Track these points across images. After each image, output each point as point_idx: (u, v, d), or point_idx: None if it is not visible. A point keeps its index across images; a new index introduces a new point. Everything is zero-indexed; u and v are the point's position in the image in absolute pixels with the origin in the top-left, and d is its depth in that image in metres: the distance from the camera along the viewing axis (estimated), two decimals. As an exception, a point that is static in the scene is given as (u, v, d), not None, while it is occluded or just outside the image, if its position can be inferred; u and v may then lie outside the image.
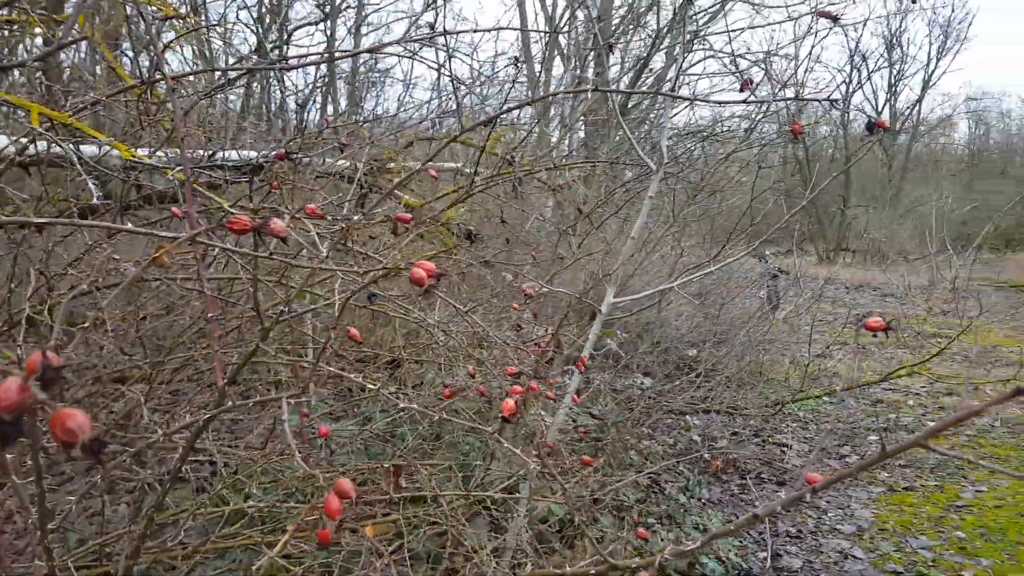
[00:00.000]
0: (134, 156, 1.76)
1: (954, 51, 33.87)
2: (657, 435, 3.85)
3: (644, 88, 8.79)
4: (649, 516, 3.03)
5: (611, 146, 5.84)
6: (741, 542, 3.03)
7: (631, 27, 9.40)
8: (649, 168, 2.21)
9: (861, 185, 30.63)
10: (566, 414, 2.18)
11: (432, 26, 1.99)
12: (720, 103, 9.70)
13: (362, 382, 1.23)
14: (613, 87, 7.40)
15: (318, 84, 9.40)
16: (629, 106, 8.42)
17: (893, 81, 32.48)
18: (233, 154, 2.61)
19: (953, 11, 30.72)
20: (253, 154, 2.65)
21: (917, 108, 32.45)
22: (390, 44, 3.45)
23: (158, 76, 1.65)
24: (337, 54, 7.71)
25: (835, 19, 1.77)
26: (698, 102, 5.09)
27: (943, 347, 5.07)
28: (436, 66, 7.08)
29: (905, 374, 5.16)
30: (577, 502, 1.96)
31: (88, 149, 1.85)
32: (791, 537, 3.27)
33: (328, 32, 10.34)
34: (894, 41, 31.54)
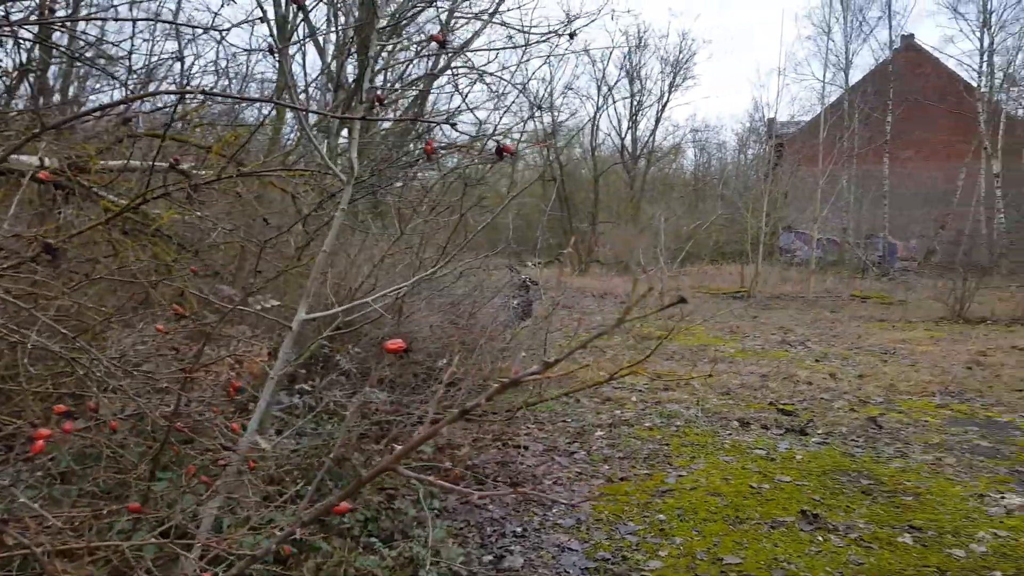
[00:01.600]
0: None
1: (683, 87, 38.58)
2: (388, 452, 3.85)
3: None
4: (379, 534, 3.01)
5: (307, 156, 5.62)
6: (465, 549, 3.13)
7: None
8: (341, 180, 2.20)
9: (607, 204, 33.59)
10: (265, 436, 2.09)
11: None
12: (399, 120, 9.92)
13: None
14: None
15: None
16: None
17: (634, 111, 36.17)
18: None
19: (680, 52, 34.90)
20: None
21: (652, 136, 36.43)
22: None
23: None
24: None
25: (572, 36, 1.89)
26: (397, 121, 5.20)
27: (655, 348, 5.65)
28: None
29: (627, 373, 5.69)
30: (283, 533, 1.88)
31: None
32: (517, 537, 3.44)
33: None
34: (634, 75, 35.19)
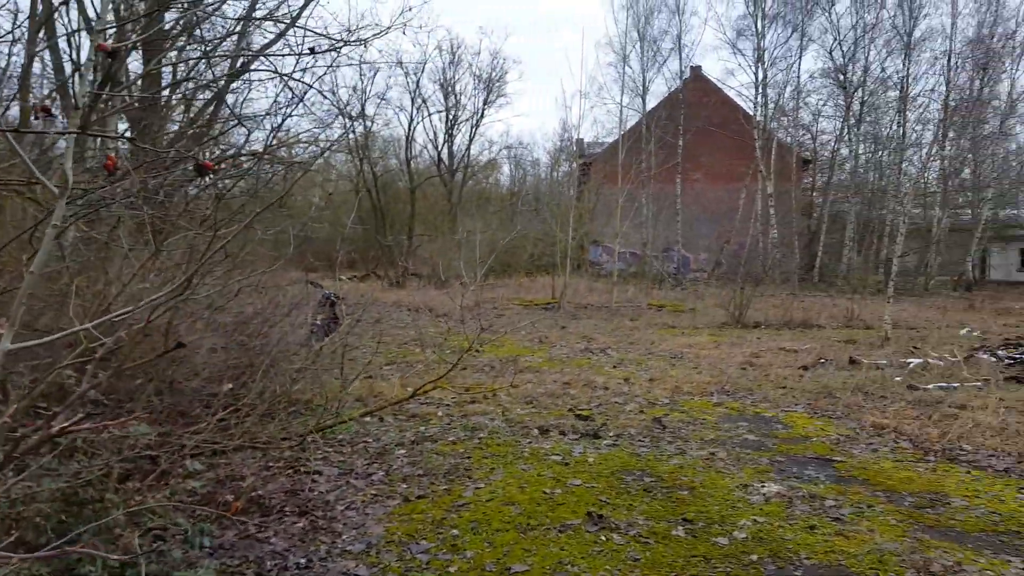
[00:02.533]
0: None
1: (496, 104, 39.68)
2: (157, 489, 3.51)
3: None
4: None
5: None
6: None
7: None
8: (52, 192, 1.95)
9: (424, 216, 33.64)
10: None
11: None
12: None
13: None
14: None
15: None
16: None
17: (450, 125, 36.64)
18: None
19: (493, 70, 35.90)
20: None
21: (468, 150, 37.12)
22: None
23: None
24: None
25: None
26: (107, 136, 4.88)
27: (457, 362, 5.69)
28: None
29: (431, 388, 5.65)
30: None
31: None
32: (301, 568, 3.25)
33: None
34: (448, 89, 35.66)
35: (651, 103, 32.56)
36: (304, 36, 10.50)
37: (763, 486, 4.58)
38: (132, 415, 2.90)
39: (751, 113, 31.41)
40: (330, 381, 6.40)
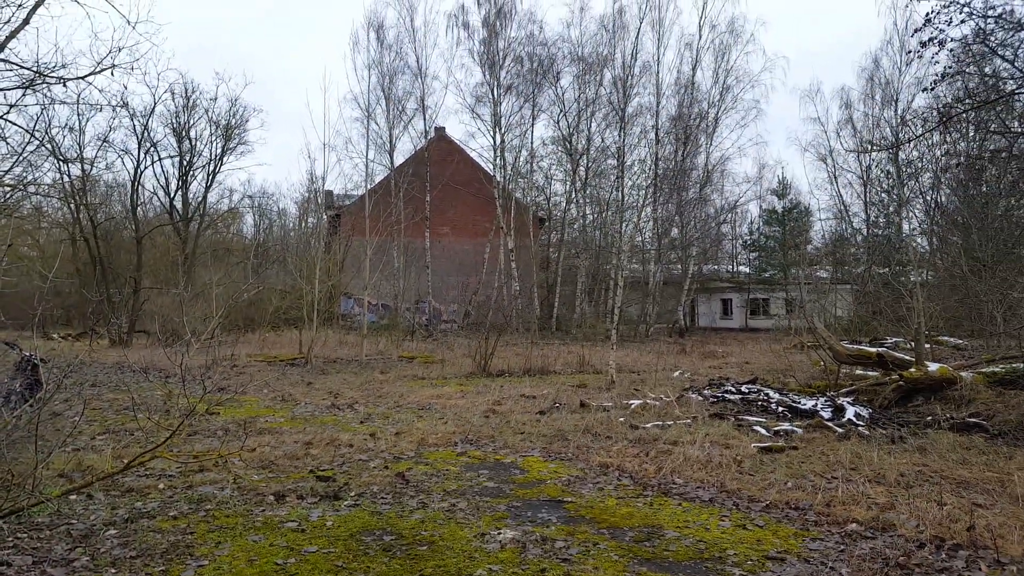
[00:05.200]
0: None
1: (237, 152, 37.86)
2: None
3: None
4: None
5: None
6: None
7: None
8: None
9: (154, 268, 30.71)
10: None
11: None
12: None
13: None
14: None
15: None
16: None
17: (184, 171, 34.11)
18: None
19: (232, 118, 34.32)
20: None
21: (204, 198, 34.80)
22: None
23: None
24: None
25: None
26: None
27: (178, 427, 5.22)
28: None
29: (149, 458, 5.11)
30: None
31: None
32: None
33: None
34: (183, 134, 33.31)
35: (399, 159, 33.37)
36: (8, 70, 9.30)
37: (499, 533, 4.76)
38: None
39: (491, 173, 33.49)
40: (26, 454, 5.51)
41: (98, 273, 27.83)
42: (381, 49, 32.89)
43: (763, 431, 8.38)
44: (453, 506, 5.40)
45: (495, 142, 33.55)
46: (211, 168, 34.84)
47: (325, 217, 33.17)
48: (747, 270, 46.46)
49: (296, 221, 47.23)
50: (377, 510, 5.26)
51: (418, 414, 9.94)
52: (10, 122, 10.30)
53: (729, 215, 40.32)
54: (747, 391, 11.18)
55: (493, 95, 33.12)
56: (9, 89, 10.15)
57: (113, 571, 4.00)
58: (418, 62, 33.21)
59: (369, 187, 31.91)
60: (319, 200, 37.45)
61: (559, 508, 5.41)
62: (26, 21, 9.62)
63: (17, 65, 9.77)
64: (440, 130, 34.54)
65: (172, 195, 34.55)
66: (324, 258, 24.90)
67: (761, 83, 49.92)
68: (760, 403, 10.22)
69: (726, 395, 10.90)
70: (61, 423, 8.06)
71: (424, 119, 33.74)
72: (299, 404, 10.90)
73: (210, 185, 35.19)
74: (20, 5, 9.48)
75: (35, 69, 9.76)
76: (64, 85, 8.83)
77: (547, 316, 32.66)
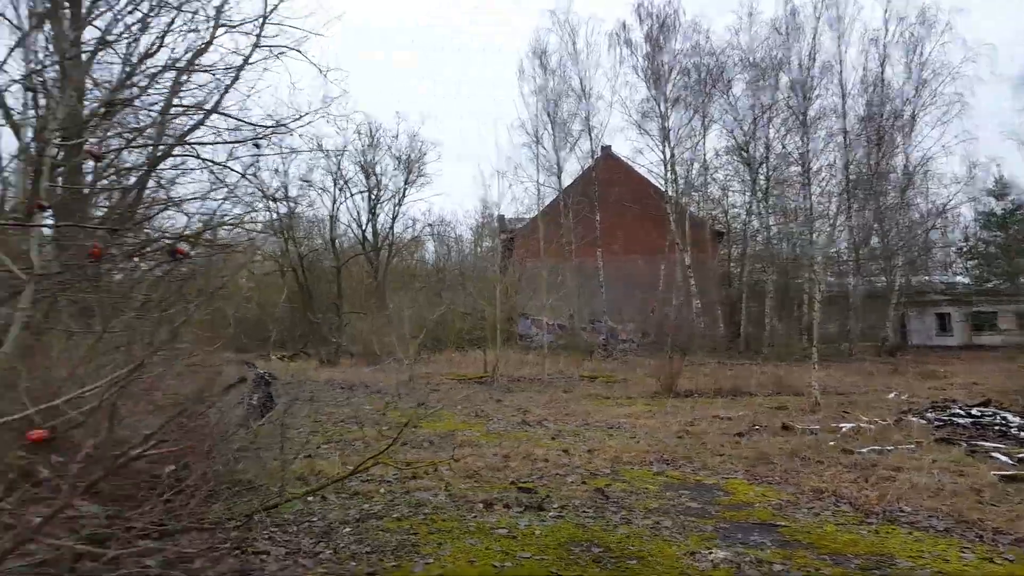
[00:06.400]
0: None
1: (417, 184, 40.40)
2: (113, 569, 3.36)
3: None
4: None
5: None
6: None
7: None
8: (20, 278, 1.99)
9: (351, 295, 33.45)
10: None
11: None
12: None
13: None
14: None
15: None
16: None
17: (372, 204, 36.95)
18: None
19: (411, 151, 36.78)
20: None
21: (391, 228, 37.47)
22: None
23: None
24: None
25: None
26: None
27: (397, 437, 5.67)
28: None
29: (371, 464, 5.59)
30: None
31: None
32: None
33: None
34: (369, 170, 36.19)
35: (566, 180, 33.77)
36: (226, 122, 10.65)
37: (710, 553, 4.69)
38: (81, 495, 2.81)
39: (662, 188, 32.93)
40: (270, 461, 6.24)
41: (305, 300, 30.77)
42: (545, 75, 33.62)
43: (1004, 458, 7.54)
44: (657, 524, 5.38)
45: (664, 156, 33.02)
46: (396, 200, 37.46)
47: (499, 241, 34.34)
48: (965, 280, 41.61)
49: (472, 246, 49.28)
50: (581, 523, 5.38)
51: (608, 432, 9.99)
52: (230, 169, 11.65)
53: (937, 220, 36.54)
54: (979, 414, 10.12)
55: (660, 109, 32.70)
56: (231, 142, 11.53)
57: (353, 564, 4.44)
58: (581, 83, 33.57)
59: (540, 208, 32.64)
60: (493, 225, 38.86)
61: (772, 531, 5.21)
62: (235, 78, 10.94)
63: (234, 118, 11.13)
64: (606, 149, 34.59)
65: (364, 227, 37.48)
66: (502, 280, 25.81)
67: (963, 75, 45.13)
68: (997, 428, 9.21)
69: (954, 419, 9.94)
70: (291, 433, 9.01)
71: (590, 139, 33.98)
72: (491, 420, 11.35)
73: (396, 216, 37.81)
74: (227, 67, 10.81)
75: (247, 121, 11.07)
76: (290, 132, 9.96)
77: (733, 334, 31.38)
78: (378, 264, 36.57)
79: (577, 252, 31.19)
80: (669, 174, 32.90)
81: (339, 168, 34.31)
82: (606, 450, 8.39)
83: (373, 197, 36.97)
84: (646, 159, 39.71)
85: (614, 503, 6.00)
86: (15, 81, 7.49)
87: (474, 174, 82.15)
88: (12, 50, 6.97)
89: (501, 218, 35.24)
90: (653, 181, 33.90)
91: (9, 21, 8.16)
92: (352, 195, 38.67)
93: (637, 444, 8.88)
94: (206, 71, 10.46)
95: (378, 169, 37.13)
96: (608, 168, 33.78)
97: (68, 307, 4.29)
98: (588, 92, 33.71)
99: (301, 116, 11.09)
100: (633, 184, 33.53)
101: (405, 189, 37.46)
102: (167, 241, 8.15)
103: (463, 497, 6.14)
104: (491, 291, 22.56)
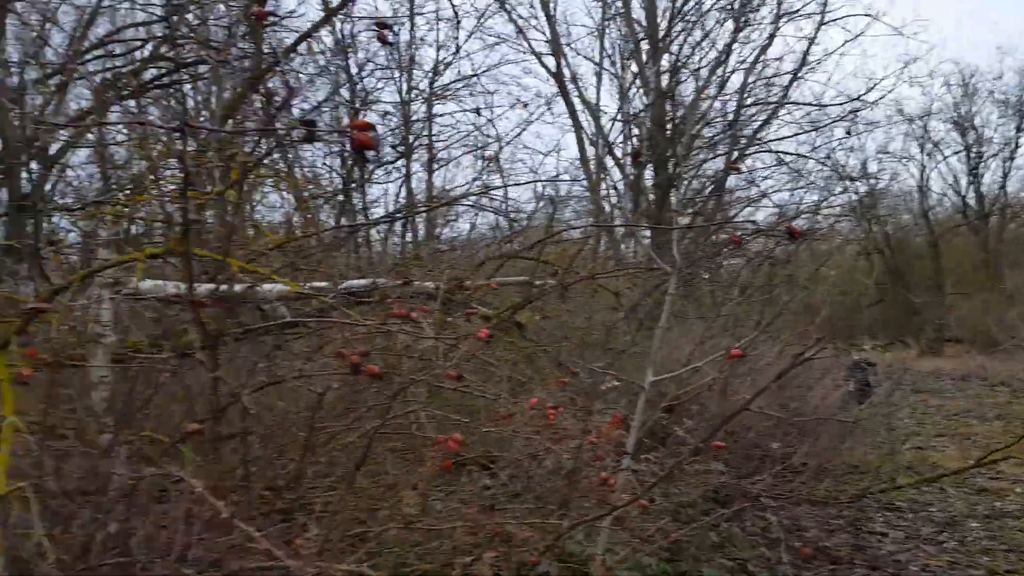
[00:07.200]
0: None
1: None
2: (737, 523, 3.90)
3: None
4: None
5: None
6: None
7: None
8: (666, 271, 2.51)
9: (954, 272, 29.46)
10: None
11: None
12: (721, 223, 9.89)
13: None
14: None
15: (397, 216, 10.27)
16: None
17: (973, 164, 31.77)
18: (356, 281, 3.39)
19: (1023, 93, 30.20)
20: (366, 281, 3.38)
21: (1003, 189, 31.45)
22: (458, 199, 4.07)
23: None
24: (418, 208, 8.76)
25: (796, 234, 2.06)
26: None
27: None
28: (495, 211, 8.03)
29: (1000, 458, 4.96)
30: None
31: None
32: None
33: (404, 168, 11.33)
34: (966, 126, 31.13)
35: None
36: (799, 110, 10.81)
37: None
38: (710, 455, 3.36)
39: None
40: (875, 446, 6.14)
41: (895, 284, 28.42)
42: None
43: None
44: None
45: None
46: (1006, 154, 31.29)
47: None
48: None
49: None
50: None
51: None
52: (801, 155, 11.67)
53: None
54: None
55: None
56: (806, 131, 11.59)
57: (986, 559, 4.06)
58: None
59: None
60: None
61: None
62: (801, 64, 10.90)
63: (803, 104, 11.15)
64: None
65: (964, 192, 32.49)
66: None
67: None
68: None
69: None
70: (895, 422, 8.58)
71: None
72: None
73: (1007, 173, 31.55)
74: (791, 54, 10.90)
75: (819, 103, 10.95)
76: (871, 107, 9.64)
77: None
78: (987, 233, 31.24)
79: None
80: None
81: (925, 131, 30.52)
82: None
83: (973, 155, 31.80)
84: None
85: None
86: (614, 120, 9.37)
87: None
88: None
89: None
90: None
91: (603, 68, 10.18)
92: (946, 158, 33.96)
93: None
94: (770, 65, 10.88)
95: (977, 121, 31.71)
96: None
97: (684, 296, 5.13)
98: None
99: (874, 87, 10.57)
100: None
101: (1018, 138, 31.04)
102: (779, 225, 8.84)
103: None
104: None
